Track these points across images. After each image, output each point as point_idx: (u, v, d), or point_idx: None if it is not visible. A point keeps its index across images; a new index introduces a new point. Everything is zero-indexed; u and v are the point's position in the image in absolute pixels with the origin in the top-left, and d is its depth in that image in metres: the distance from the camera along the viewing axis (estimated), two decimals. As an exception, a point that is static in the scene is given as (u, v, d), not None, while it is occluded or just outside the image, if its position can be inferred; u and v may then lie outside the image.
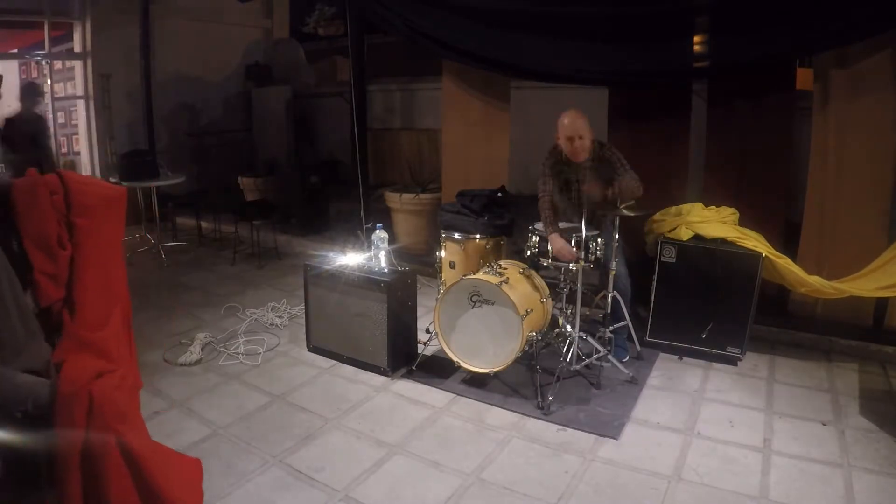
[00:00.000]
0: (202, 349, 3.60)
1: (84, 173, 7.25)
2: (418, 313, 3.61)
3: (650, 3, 3.61)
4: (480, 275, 3.18)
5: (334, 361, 3.58)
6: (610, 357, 3.31)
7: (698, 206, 3.63)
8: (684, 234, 3.46)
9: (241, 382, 3.33)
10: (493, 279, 3.10)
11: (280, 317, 4.21)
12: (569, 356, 3.19)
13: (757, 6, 3.39)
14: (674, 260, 3.48)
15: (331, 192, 6.29)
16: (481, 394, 3.16)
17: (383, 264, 3.45)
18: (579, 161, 3.36)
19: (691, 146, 4.06)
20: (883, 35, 3.27)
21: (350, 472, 2.55)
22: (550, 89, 4.60)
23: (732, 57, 3.58)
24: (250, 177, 6.74)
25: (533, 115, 4.89)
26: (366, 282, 3.33)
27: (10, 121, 5.27)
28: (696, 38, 3.57)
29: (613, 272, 3.32)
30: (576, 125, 3.29)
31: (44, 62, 6.73)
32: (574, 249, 3.16)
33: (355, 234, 4.76)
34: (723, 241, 3.38)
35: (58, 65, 7.18)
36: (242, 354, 3.64)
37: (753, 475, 2.50)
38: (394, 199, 5.40)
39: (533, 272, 3.37)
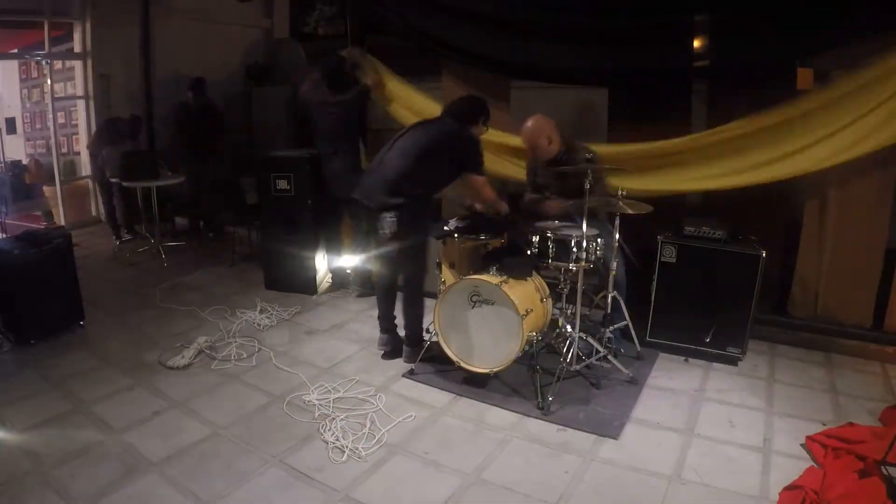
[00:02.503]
0: (196, 355, 3.58)
1: (84, 173, 7.26)
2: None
3: (651, 13, 3.62)
4: (480, 275, 3.18)
5: (334, 362, 3.58)
6: (610, 357, 3.31)
7: None
8: None
9: (241, 382, 3.33)
10: (493, 279, 3.10)
11: (269, 318, 4.22)
12: (569, 356, 3.19)
13: (757, 8, 3.39)
14: (674, 260, 3.48)
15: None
16: (481, 394, 3.16)
17: None
18: (545, 159, 3.60)
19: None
20: (884, 35, 3.27)
21: (350, 471, 2.55)
22: (550, 89, 4.59)
23: (732, 57, 3.58)
24: (250, 177, 6.72)
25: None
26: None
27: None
28: (697, 39, 3.57)
29: (613, 272, 3.32)
30: (528, 134, 3.58)
31: (44, 62, 6.73)
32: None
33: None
34: (723, 240, 3.39)
35: (58, 65, 7.18)
36: (242, 356, 3.64)
37: (753, 475, 2.50)
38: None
39: (533, 272, 3.37)
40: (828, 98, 3.33)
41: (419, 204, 3.32)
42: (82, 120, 7.03)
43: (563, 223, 3.41)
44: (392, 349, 3.62)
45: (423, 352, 3.45)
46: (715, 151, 3.62)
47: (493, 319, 3.12)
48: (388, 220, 3.24)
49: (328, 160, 4.44)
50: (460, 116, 3.43)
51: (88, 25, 6.69)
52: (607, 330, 3.44)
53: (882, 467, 2.35)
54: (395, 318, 3.67)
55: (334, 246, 4.77)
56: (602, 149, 3.72)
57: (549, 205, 3.58)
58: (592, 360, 3.29)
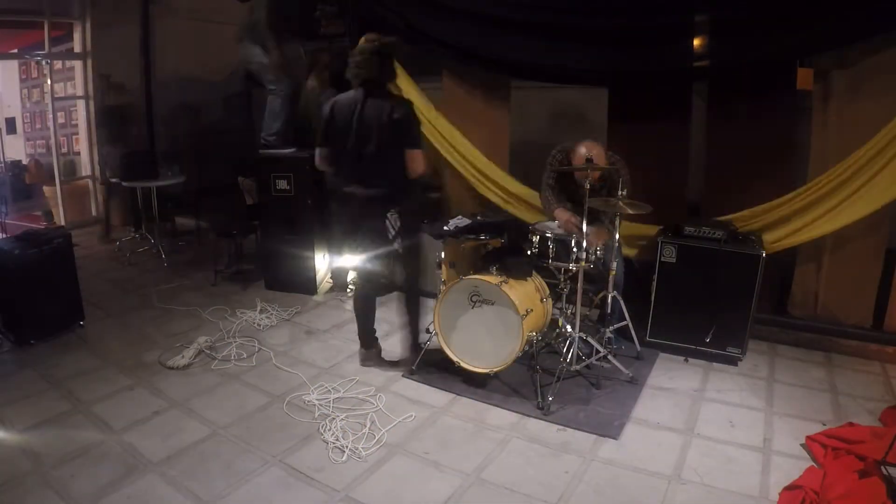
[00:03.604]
0: (195, 355, 3.58)
1: (84, 173, 7.26)
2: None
3: (651, 13, 3.62)
4: (480, 275, 3.18)
5: (334, 362, 3.58)
6: (610, 357, 3.31)
7: None
8: None
9: (241, 382, 3.33)
10: (493, 279, 3.10)
11: (269, 318, 4.22)
12: (569, 356, 3.20)
13: (757, 8, 3.39)
14: (674, 260, 3.48)
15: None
16: (481, 394, 3.16)
17: None
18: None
19: (691, 146, 4.06)
20: (884, 35, 3.27)
21: (350, 471, 2.55)
22: (550, 89, 4.60)
23: (732, 57, 3.58)
24: (250, 177, 6.72)
25: (533, 115, 4.89)
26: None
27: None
28: (696, 39, 3.57)
29: (613, 272, 3.32)
30: (599, 158, 3.28)
31: (44, 62, 6.72)
32: (576, 218, 3.29)
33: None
34: (723, 240, 3.39)
35: (58, 65, 7.18)
36: (242, 356, 3.64)
37: (753, 475, 2.50)
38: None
39: (533, 272, 3.37)
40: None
41: (411, 195, 3.19)
42: (82, 120, 7.03)
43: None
44: (377, 361, 3.52)
45: (422, 352, 3.44)
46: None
47: (493, 319, 3.12)
48: (393, 218, 3.15)
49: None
50: (379, 80, 3.08)
51: (88, 25, 6.68)
52: (607, 330, 3.45)
53: (882, 467, 2.35)
54: (375, 329, 3.56)
55: (335, 246, 4.76)
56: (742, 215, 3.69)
57: (567, 221, 3.41)
58: (592, 360, 3.29)
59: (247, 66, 4.76)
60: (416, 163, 3.08)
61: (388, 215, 3.15)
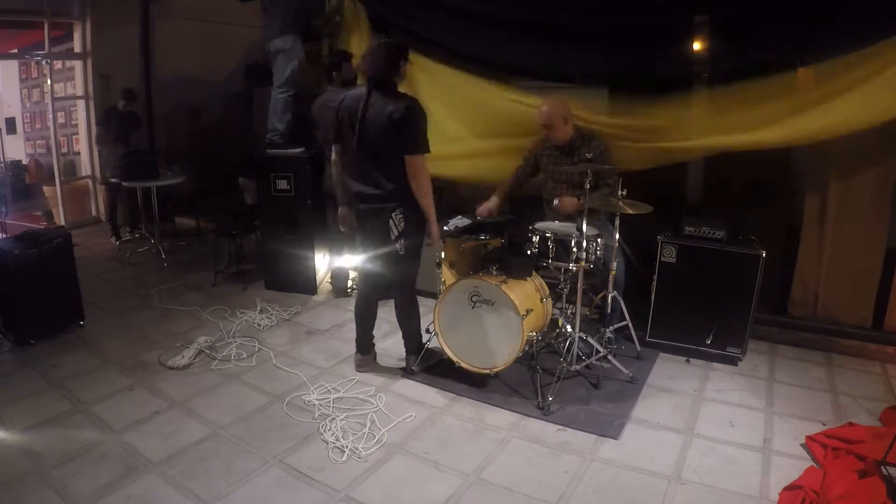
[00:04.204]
0: (195, 355, 3.58)
1: (84, 173, 7.26)
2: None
3: (651, 13, 3.62)
4: (480, 275, 3.18)
5: (334, 362, 3.58)
6: (610, 357, 3.31)
7: None
8: None
9: (241, 382, 3.33)
10: (493, 279, 3.10)
11: (269, 318, 4.21)
12: (569, 356, 3.20)
13: (757, 8, 3.38)
14: (674, 260, 3.48)
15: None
16: (481, 394, 3.16)
17: None
18: (558, 142, 3.58)
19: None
20: (884, 38, 3.26)
21: (350, 471, 2.55)
22: (550, 89, 4.59)
23: (732, 57, 3.58)
24: (250, 177, 6.71)
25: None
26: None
27: None
28: (696, 39, 3.58)
29: (613, 272, 3.32)
30: (546, 114, 3.52)
31: (44, 62, 6.73)
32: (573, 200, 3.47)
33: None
34: (723, 240, 3.38)
35: (58, 65, 7.18)
36: (242, 356, 3.64)
37: (753, 475, 2.50)
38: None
39: (533, 272, 3.37)
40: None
41: (411, 195, 3.01)
42: (82, 120, 7.04)
43: (564, 223, 3.41)
44: (372, 366, 3.47)
45: (423, 352, 3.44)
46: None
47: (493, 319, 3.12)
48: (398, 219, 3.02)
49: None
50: (385, 77, 2.96)
51: (88, 25, 6.69)
52: (607, 330, 3.45)
53: (882, 467, 2.35)
54: (374, 335, 3.51)
55: (336, 246, 4.75)
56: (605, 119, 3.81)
57: (564, 202, 3.51)
58: (592, 360, 3.29)
59: (283, 56, 4.58)
60: (414, 168, 2.92)
61: (393, 216, 3.03)
